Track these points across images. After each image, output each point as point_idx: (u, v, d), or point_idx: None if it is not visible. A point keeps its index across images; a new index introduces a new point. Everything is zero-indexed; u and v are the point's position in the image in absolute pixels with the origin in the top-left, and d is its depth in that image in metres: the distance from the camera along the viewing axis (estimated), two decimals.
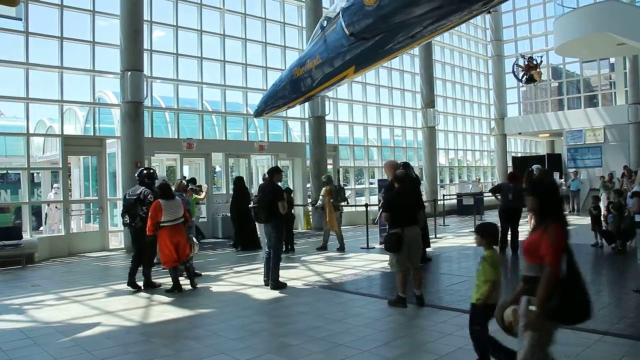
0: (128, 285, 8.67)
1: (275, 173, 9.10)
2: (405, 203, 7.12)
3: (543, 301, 3.41)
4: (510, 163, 27.70)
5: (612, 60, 28.79)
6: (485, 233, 4.73)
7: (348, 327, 6.19)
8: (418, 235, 7.21)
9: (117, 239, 14.15)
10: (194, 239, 9.40)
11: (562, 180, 14.08)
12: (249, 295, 8.19)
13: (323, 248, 13.02)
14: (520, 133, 28.44)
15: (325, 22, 11.61)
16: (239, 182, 13.75)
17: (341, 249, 12.70)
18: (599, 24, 16.93)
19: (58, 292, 8.56)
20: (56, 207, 14.72)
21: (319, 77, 11.81)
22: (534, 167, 15.00)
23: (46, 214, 15.55)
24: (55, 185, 16.33)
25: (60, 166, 13.45)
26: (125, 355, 5.34)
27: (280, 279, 8.67)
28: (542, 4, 27.01)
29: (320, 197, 13.52)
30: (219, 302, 7.68)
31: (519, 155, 29.83)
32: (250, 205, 8.96)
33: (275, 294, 8.21)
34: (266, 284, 8.73)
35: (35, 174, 17.98)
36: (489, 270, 4.51)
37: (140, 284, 8.75)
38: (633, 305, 7.12)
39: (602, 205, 19.20)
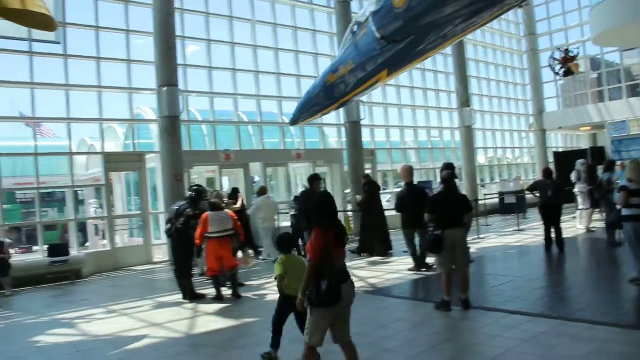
0: (190, 299, 8.78)
1: (315, 180, 9.13)
2: (448, 204, 7.03)
3: (303, 290, 4.41)
4: (551, 159, 27.05)
5: None
6: (279, 243, 5.68)
7: (393, 332, 6.14)
8: (463, 238, 7.10)
9: (161, 252, 14.36)
10: (250, 252, 9.45)
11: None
12: None
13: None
14: (560, 128, 27.77)
15: (356, 27, 11.57)
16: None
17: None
18: (638, 12, 16.41)
19: (106, 306, 8.75)
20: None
21: (352, 82, 11.76)
22: (578, 162, 14.63)
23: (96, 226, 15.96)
24: (91, 201, 16.76)
25: (103, 183, 13.76)
26: None
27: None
28: None
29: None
30: (264, 311, 7.66)
31: (560, 150, 29.13)
32: (290, 214, 8.97)
33: None
34: None
35: (79, 192, 18.46)
36: (277, 268, 5.34)
37: (203, 292, 8.94)
38: None
39: None
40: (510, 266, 10.47)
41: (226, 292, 8.87)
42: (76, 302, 9.36)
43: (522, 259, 11.31)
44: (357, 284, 9.15)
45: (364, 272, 10.61)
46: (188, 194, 9.63)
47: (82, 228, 15.06)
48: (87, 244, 15.95)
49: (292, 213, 8.96)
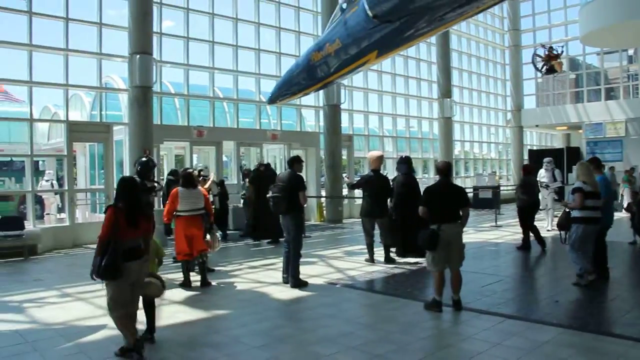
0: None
1: (295, 162, 8.53)
2: (444, 197, 6.45)
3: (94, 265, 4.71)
4: (526, 156, 26.89)
5: (631, 52, 27.98)
6: None
7: (383, 334, 5.54)
8: (459, 234, 6.54)
9: None
10: (218, 235, 8.79)
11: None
12: (267, 294, 7.54)
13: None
14: (537, 125, 27.60)
15: (345, 4, 10.84)
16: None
17: None
18: (630, 12, 16.11)
19: (61, 288, 7.93)
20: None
21: (339, 62, 11.06)
22: (545, 160, 14.19)
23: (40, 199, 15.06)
24: (48, 171, 15.78)
25: (65, 154, 12.80)
26: None
27: (300, 276, 8.06)
28: None
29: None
30: (236, 302, 7.03)
31: (535, 148, 29.00)
32: (268, 195, 8.31)
33: (296, 292, 7.57)
34: (285, 281, 8.11)
35: (40, 162, 17.45)
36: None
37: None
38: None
39: (626, 202, 18.60)
40: (496, 264, 9.99)
41: (194, 277, 8.16)
42: (27, 283, 8.51)
43: (506, 257, 10.85)
44: (335, 276, 8.66)
45: (341, 262, 10.03)
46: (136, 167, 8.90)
47: (39, 200, 14.11)
48: (45, 218, 15.03)
49: (269, 195, 8.22)
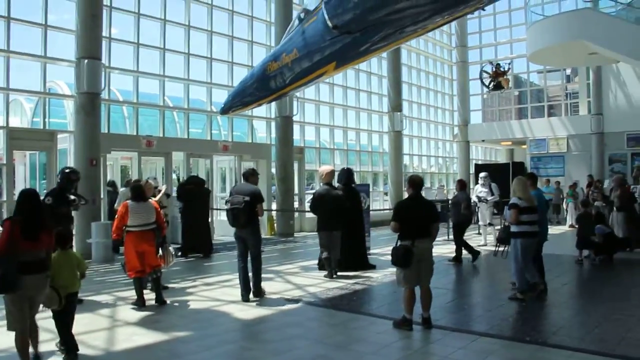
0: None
1: (251, 175, 8.35)
2: (418, 212, 6.29)
3: None
4: (472, 170, 27.37)
5: (568, 71, 29.01)
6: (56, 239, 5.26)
7: (357, 356, 5.30)
8: (430, 250, 6.39)
9: None
10: (171, 249, 8.34)
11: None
12: (228, 313, 7.15)
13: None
14: (483, 140, 28.20)
15: (303, 14, 10.66)
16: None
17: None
18: (575, 32, 16.58)
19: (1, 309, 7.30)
20: None
21: (296, 72, 10.84)
22: (481, 175, 14.24)
23: None
24: None
25: (4, 162, 12.01)
26: None
27: None
28: (508, 11, 26.79)
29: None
30: (196, 323, 6.61)
31: (480, 162, 29.58)
32: (227, 207, 8.02)
33: (258, 311, 7.22)
34: (244, 299, 7.79)
35: None
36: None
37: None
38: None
39: (570, 216, 19.11)
40: (456, 279, 9.93)
41: (147, 295, 7.68)
42: None
43: (464, 272, 10.81)
44: (296, 293, 8.36)
45: (299, 278, 9.73)
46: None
47: None
48: None
49: (228, 207, 7.91)
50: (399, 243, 6.24)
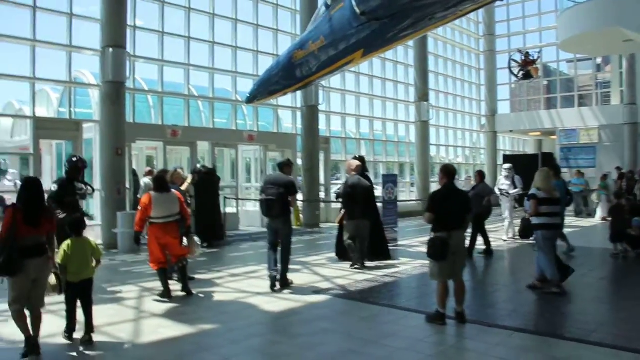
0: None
1: (286, 166, 8.26)
2: (453, 202, 6.03)
3: None
4: (500, 161, 26.86)
5: (599, 61, 28.27)
6: (70, 227, 5.75)
7: (389, 352, 5.08)
8: (464, 242, 6.16)
9: (94, 233, 12.76)
10: (196, 239, 8.20)
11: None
12: (255, 305, 6.99)
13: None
14: (511, 131, 27.67)
15: (330, 1, 10.44)
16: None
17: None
18: (610, 19, 16.05)
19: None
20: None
21: (322, 60, 10.65)
22: (504, 167, 13.75)
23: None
24: (11, 170, 14.94)
25: (32, 152, 12.01)
26: None
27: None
28: None
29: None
30: (223, 315, 6.46)
31: (508, 153, 29.04)
32: (261, 198, 7.94)
33: (286, 304, 7.04)
34: (272, 285, 7.82)
35: (2, 161, 16.55)
36: (59, 256, 5.40)
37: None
38: None
39: (600, 209, 18.46)
40: (490, 272, 9.66)
41: (173, 286, 7.57)
42: None
43: (497, 263, 10.50)
44: (324, 285, 8.18)
45: (326, 270, 9.54)
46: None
47: (1, 201, 13.24)
48: None
49: (263, 197, 7.83)
50: (433, 235, 6.00)
